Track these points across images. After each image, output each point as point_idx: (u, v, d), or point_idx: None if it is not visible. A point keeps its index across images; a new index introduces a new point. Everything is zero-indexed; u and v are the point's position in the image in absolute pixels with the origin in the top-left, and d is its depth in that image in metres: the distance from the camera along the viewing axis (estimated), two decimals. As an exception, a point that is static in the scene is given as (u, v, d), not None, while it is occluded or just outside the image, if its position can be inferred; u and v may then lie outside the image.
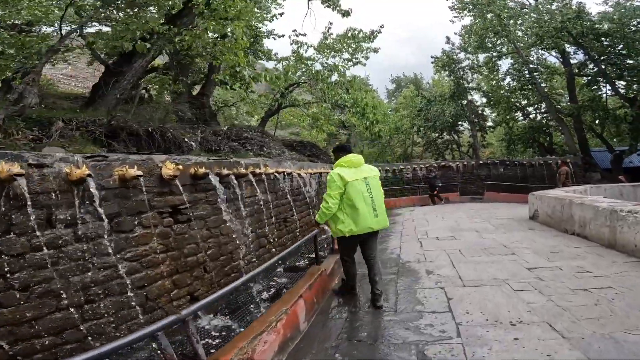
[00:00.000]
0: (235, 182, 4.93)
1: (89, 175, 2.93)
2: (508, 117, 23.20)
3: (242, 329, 4.24)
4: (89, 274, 3.14)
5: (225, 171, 4.71)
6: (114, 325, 3.35)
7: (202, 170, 4.23)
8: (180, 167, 3.80)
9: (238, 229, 5.25)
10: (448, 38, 23.95)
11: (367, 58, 15.33)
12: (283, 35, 14.69)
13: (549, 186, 13.51)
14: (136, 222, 3.53)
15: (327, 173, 10.82)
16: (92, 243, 3.13)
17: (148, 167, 3.69)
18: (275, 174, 6.58)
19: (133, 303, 3.47)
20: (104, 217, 3.06)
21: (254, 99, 14.30)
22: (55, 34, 8.61)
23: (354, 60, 15.07)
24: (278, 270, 6.67)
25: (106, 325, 3.27)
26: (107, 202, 3.28)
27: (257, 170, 5.83)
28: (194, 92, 13.44)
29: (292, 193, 7.82)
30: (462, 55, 23.60)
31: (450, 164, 19.43)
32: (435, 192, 15.93)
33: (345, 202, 3.89)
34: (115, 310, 3.35)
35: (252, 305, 4.87)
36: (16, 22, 8.78)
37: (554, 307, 3.62)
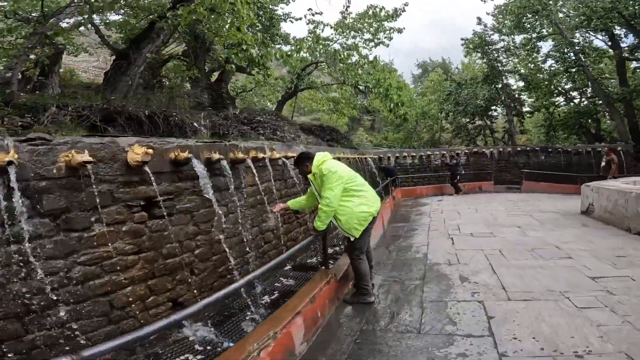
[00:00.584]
0: (229, 168, 4.18)
1: (9, 162, 2.27)
2: (547, 102, 21.32)
3: (231, 344, 3.59)
4: (28, 280, 2.51)
5: (216, 156, 3.98)
6: (69, 335, 2.76)
7: (184, 154, 3.51)
8: (151, 151, 3.09)
9: (234, 223, 4.54)
10: (479, 19, 21.85)
11: (390, 39, 14.13)
12: (300, 18, 13.77)
13: (598, 176, 11.97)
14: (93, 219, 2.86)
15: (346, 158, 10.02)
16: (29, 245, 2.48)
17: (110, 152, 2.99)
18: (284, 159, 5.81)
19: (90, 312, 2.85)
20: (19, 213, 2.36)
21: (271, 82, 13.53)
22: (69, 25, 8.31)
23: (375, 40, 13.92)
24: (287, 267, 5.96)
25: (57, 337, 2.69)
26: (49, 195, 2.62)
27: (261, 155, 5.08)
28: (213, 80, 12.96)
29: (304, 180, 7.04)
30: (495, 36, 21.80)
31: (484, 150, 17.91)
32: (455, 181, 14.32)
33: (352, 192, 3.60)
34: (67, 320, 2.73)
35: (249, 312, 4.19)
36: (32, 15, 8.55)
37: (632, 332, 2.79)
